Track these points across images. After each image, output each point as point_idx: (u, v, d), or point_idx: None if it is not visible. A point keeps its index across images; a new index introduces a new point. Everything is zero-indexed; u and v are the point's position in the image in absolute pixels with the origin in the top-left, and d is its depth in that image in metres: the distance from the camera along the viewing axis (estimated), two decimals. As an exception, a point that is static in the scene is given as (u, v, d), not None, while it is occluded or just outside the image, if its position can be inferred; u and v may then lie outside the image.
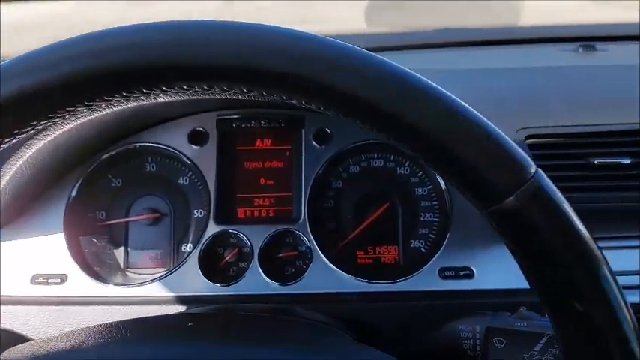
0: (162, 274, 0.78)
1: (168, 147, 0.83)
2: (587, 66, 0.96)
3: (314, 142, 0.82)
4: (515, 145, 0.40)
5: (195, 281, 0.76)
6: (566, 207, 0.40)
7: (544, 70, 0.91)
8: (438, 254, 0.77)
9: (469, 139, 0.39)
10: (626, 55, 1.05)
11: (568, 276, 0.39)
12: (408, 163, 0.84)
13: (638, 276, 0.73)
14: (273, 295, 0.74)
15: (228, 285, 0.75)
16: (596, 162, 0.74)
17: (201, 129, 0.83)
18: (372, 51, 0.41)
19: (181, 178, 0.84)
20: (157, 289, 0.76)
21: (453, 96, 0.40)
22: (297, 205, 0.81)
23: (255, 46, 0.39)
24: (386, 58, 0.40)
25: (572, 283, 0.39)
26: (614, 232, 0.75)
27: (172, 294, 0.75)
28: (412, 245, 0.83)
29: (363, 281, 0.75)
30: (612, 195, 0.74)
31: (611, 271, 0.40)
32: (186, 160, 0.83)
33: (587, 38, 1.08)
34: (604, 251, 0.40)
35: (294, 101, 0.41)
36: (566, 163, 0.75)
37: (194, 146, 0.83)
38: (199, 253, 0.77)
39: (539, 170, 0.40)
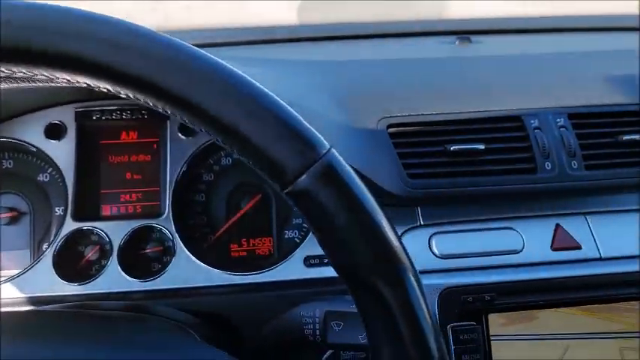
0: (16, 274, 0.74)
1: (24, 142, 0.78)
2: (457, 57, 0.99)
3: (180, 134, 0.80)
4: (306, 125, 0.40)
5: (49, 281, 0.72)
6: (358, 187, 0.40)
7: (414, 62, 0.93)
8: (303, 243, 0.77)
9: (259, 121, 0.39)
10: (500, 47, 1.09)
11: (360, 255, 0.40)
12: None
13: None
14: (131, 293, 0.72)
15: (85, 283, 0.72)
16: (452, 148, 0.76)
17: (58, 122, 0.79)
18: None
19: (41, 175, 0.80)
20: (9, 291, 0.72)
21: (249, 79, 0.40)
22: (164, 199, 0.79)
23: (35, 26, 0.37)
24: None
25: (363, 262, 0.40)
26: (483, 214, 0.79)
27: (24, 295, 0.71)
28: (286, 236, 0.83)
29: (227, 274, 0.74)
30: (470, 180, 0.76)
31: (403, 249, 0.41)
32: (44, 155, 0.79)
33: (465, 32, 1.11)
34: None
35: (82, 83, 0.39)
36: (426, 150, 0.77)
37: (52, 140, 0.79)
38: (54, 252, 0.74)
39: (333, 150, 0.40)
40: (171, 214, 0.77)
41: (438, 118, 0.78)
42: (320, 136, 0.40)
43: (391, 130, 0.77)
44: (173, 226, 0.76)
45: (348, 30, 1.15)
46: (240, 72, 0.39)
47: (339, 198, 0.39)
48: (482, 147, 0.77)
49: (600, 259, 0.78)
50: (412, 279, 0.41)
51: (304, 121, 0.40)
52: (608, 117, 0.81)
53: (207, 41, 1.08)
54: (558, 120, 0.80)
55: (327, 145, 0.40)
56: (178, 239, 0.76)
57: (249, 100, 0.38)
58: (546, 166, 0.77)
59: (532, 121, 0.79)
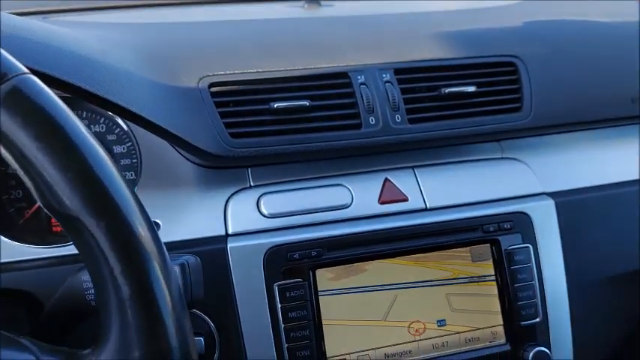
0: None
1: None
2: (295, 19, 0.98)
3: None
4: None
5: None
6: (56, 118, 0.36)
7: (245, 23, 0.91)
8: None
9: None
10: (347, 9, 1.09)
11: (46, 184, 0.36)
12: (103, 119, 0.79)
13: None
14: None
15: None
16: (276, 106, 0.75)
17: None
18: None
19: None
20: None
21: None
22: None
23: None
24: None
25: (65, 202, 0.36)
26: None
27: None
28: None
29: (36, 247, 0.69)
30: (295, 137, 0.75)
31: (124, 196, 0.38)
32: None
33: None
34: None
35: None
36: (249, 109, 0.75)
37: None
38: None
39: (26, 77, 0.37)
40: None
41: (261, 76, 0.76)
42: (14, 60, 0.36)
43: (213, 89, 0.74)
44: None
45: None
46: None
47: (27, 125, 0.35)
48: (307, 104, 0.76)
49: (426, 209, 0.80)
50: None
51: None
52: (431, 71, 0.82)
53: (38, 9, 1.00)
54: (384, 75, 0.81)
55: (20, 70, 0.36)
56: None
57: None
58: (370, 120, 0.78)
59: (358, 77, 0.79)
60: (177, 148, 0.77)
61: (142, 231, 0.37)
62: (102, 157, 0.37)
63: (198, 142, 0.72)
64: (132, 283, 0.36)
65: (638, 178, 0.90)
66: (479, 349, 0.78)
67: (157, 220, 0.73)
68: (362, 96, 0.78)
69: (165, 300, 0.38)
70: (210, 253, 0.71)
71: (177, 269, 0.52)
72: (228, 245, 0.72)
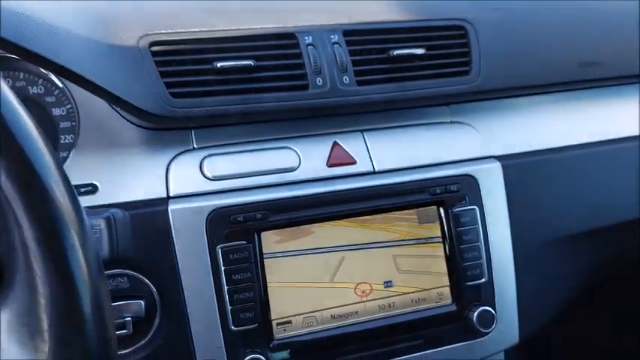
0: None
1: None
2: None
3: None
4: None
5: None
6: None
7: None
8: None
9: None
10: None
11: None
12: (41, 81, 0.76)
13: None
14: None
15: None
16: (219, 65, 0.73)
17: None
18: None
19: None
20: None
21: None
22: None
23: None
24: None
25: None
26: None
27: None
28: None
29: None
30: (239, 98, 0.74)
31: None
32: None
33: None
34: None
35: None
36: (192, 68, 0.73)
37: None
38: None
39: None
40: None
41: (204, 36, 0.74)
42: None
43: (154, 48, 0.72)
44: None
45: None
46: None
47: None
48: (252, 64, 0.74)
49: (374, 172, 0.80)
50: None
51: None
52: (380, 33, 0.81)
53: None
54: (332, 37, 0.79)
55: None
56: None
57: None
58: (318, 82, 0.77)
59: (306, 38, 0.78)
60: (118, 110, 0.75)
61: (59, 194, 0.36)
62: (24, 122, 0.35)
63: (138, 102, 0.69)
64: (46, 253, 0.34)
65: (583, 142, 0.91)
66: (425, 310, 0.79)
67: (95, 182, 0.71)
68: (309, 57, 0.77)
69: (80, 273, 0.36)
70: (151, 215, 0.70)
71: (102, 223, 0.50)
72: (170, 207, 0.70)
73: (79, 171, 0.71)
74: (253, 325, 0.71)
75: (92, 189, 0.70)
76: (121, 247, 0.51)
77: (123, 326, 0.67)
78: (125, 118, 0.75)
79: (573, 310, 0.90)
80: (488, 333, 0.79)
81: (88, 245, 0.37)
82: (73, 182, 0.69)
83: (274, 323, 0.73)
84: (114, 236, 0.51)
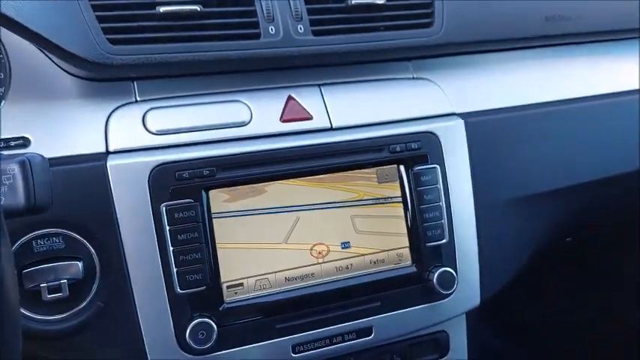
0: None
1: None
2: None
3: None
4: None
5: None
6: None
7: None
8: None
9: None
10: None
11: None
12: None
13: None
14: None
15: None
16: (162, 10, 0.67)
17: None
18: None
19: None
20: None
21: None
22: None
23: None
24: None
25: None
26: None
27: None
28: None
29: None
30: (185, 45, 0.68)
31: None
32: None
33: None
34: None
35: None
36: (132, 13, 0.67)
37: None
38: None
39: None
40: None
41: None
42: None
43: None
44: None
45: None
46: None
47: None
48: (198, 9, 0.69)
49: (331, 129, 0.76)
50: None
51: None
52: (337, -19, 0.77)
53: None
54: (287, -17, 0.74)
55: None
56: None
57: None
58: (270, 30, 0.72)
59: (258, -17, 0.73)
60: (53, 58, 0.69)
61: None
62: None
63: (73, 47, 0.64)
64: None
65: (548, 100, 0.88)
66: (384, 272, 0.76)
67: (26, 135, 0.65)
68: (261, 3, 0.72)
69: None
70: (89, 171, 0.64)
71: (15, 167, 0.45)
72: (109, 163, 0.65)
73: (10, 124, 0.65)
74: (201, 288, 0.67)
75: (24, 142, 0.65)
76: (39, 194, 0.46)
77: (58, 289, 0.62)
78: (61, 68, 0.69)
79: (533, 272, 0.89)
80: (449, 295, 0.77)
81: None
82: (3, 135, 0.65)
83: (224, 286, 0.69)
84: (30, 182, 0.45)
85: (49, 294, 0.62)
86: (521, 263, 0.86)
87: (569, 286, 1.36)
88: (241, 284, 0.70)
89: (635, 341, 1.26)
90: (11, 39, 0.68)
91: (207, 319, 0.66)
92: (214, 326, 0.66)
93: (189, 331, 0.65)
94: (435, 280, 0.76)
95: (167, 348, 0.66)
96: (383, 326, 0.75)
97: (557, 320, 1.41)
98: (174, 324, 0.66)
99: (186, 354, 0.67)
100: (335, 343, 0.73)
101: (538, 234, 0.89)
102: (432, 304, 0.77)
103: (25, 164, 0.45)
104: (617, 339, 1.32)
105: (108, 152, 0.67)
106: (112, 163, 0.65)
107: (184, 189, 0.67)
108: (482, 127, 0.82)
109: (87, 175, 0.64)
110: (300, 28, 0.73)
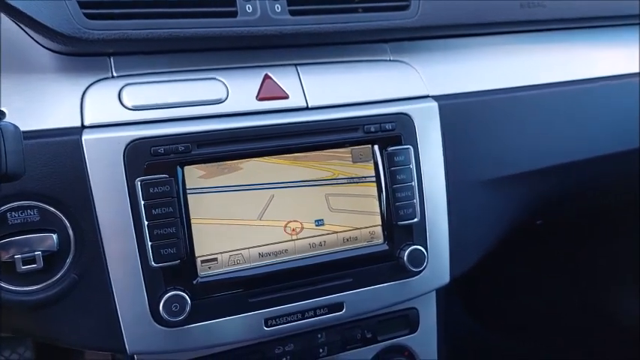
0: None
1: None
2: None
3: None
4: None
5: None
6: None
7: None
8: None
9: None
10: None
11: None
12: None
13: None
14: None
15: None
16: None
17: None
18: None
19: None
20: None
21: None
22: None
23: None
24: None
25: None
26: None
27: None
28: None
29: None
30: (161, 22, 0.69)
31: None
32: None
33: None
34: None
35: None
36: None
37: None
38: None
39: None
40: None
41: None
42: None
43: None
44: None
45: None
46: None
47: None
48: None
49: (307, 108, 0.77)
50: None
51: None
52: (316, -40, 0.77)
53: None
54: (264, -39, 0.75)
55: None
56: None
57: None
58: (247, 8, 0.72)
59: (235, -39, 0.73)
60: (29, 32, 0.68)
61: None
62: None
63: (49, 21, 0.64)
64: None
65: (522, 84, 0.90)
66: (356, 249, 0.77)
67: (1, 109, 0.65)
68: None
69: None
70: (63, 145, 0.65)
71: (-15, 135, 0.45)
72: (84, 137, 0.66)
73: None
74: (175, 262, 0.68)
75: (-3, 115, 0.65)
76: (11, 161, 0.46)
77: (33, 260, 0.63)
78: (37, 42, 0.69)
79: (502, 251, 0.91)
80: (419, 272, 0.79)
81: None
82: (-24, 108, 0.65)
83: (198, 260, 0.70)
84: (2, 149, 0.46)
85: (24, 265, 0.63)
86: (490, 244, 0.89)
87: (537, 267, 1.40)
88: (215, 259, 0.71)
89: (603, 317, 1.31)
90: (-16, 10, 0.67)
91: (180, 292, 0.67)
92: (188, 299, 0.67)
93: (163, 304, 0.66)
94: (405, 258, 0.78)
95: (141, 320, 0.67)
96: (354, 302, 0.77)
97: (527, 301, 1.46)
98: (148, 297, 0.67)
99: (159, 326, 0.68)
100: (307, 318, 0.75)
101: (508, 215, 0.91)
102: (403, 281, 0.80)
103: (-4, 132, 0.46)
104: (585, 320, 1.36)
105: (83, 127, 0.67)
106: (87, 137, 0.66)
107: (159, 164, 0.68)
108: (455, 110, 0.84)
109: (62, 149, 0.65)
110: (277, 8, 0.74)
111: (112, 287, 0.67)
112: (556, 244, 1.36)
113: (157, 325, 0.68)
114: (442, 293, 0.89)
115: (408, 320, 0.87)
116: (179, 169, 0.69)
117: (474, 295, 1.50)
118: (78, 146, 0.65)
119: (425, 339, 0.88)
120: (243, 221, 0.73)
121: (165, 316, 0.66)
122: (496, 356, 1.50)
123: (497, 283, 1.52)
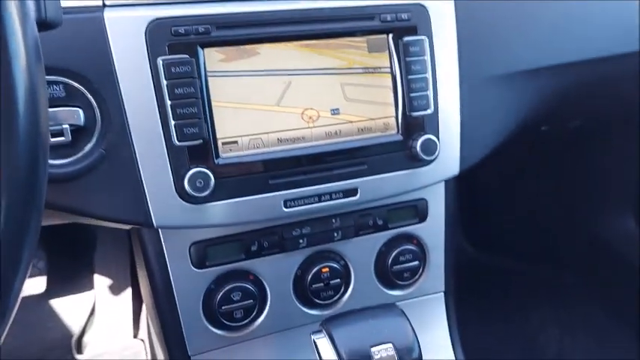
0: None
1: None
2: None
3: None
4: None
5: None
6: None
7: None
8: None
9: None
10: None
11: None
12: None
13: None
14: None
15: None
16: None
17: None
18: None
19: None
20: None
21: None
22: None
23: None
24: None
25: None
26: None
27: None
28: None
29: None
30: None
31: None
32: None
33: None
34: None
35: None
36: None
37: None
38: None
39: None
40: None
41: None
42: None
43: None
44: None
45: None
46: None
47: None
48: None
49: (323, -5, 0.77)
50: None
51: None
52: None
53: None
54: None
55: None
56: None
57: None
58: None
59: None
60: None
61: None
62: None
63: None
64: None
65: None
66: (371, 138, 0.80)
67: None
68: None
69: None
70: (86, 22, 0.66)
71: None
72: (105, 15, 0.66)
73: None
74: (198, 142, 0.70)
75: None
76: (50, 8, 0.47)
77: (61, 133, 0.65)
78: None
79: (510, 145, 0.93)
80: (430, 161, 0.82)
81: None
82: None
83: (220, 142, 0.72)
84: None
85: (52, 138, 0.65)
86: (498, 141, 0.91)
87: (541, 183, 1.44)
88: (236, 142, 0.74)
89: (590, 235, 1.36)
90: None
91: (204, 169, 0.70)
92: (211, 175, 0.70)
93: (188, 179, 0.69)
94: (418, 147, 0.80)
95: (167, 195, 0.70)
96: (368, 188, 0.80)
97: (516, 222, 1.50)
98: (173, 173, 0.70)
99: (184, 202, 0.71)
100: (323, 201, 0.78)
101: (516, 114, 0.93)
102: (414, 169, 0.82)
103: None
104: (586, 244, 1.40)
105: (104, 5, 0.68)
106: (109, 15, 0.66)
107: (180, 45, 0.69)
108: (471, 3, 0.84)
109: (85, 26, 0.66)
110: None
111: (138, 164, 0.69)
112: (551, 161, 1.39)
113: (181, 200, 0.71)
114: (451, 186, 0.92)
115: (417, 210, 0.90)
116: (200, 49, 0.70)
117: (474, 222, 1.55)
118: (101, 24, 0.66)
119: (433, 229, 0.92)
120: (262, 106, 0.75)
121: (190, 191, 0.69)
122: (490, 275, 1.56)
123: (491, 206, 1.57)
